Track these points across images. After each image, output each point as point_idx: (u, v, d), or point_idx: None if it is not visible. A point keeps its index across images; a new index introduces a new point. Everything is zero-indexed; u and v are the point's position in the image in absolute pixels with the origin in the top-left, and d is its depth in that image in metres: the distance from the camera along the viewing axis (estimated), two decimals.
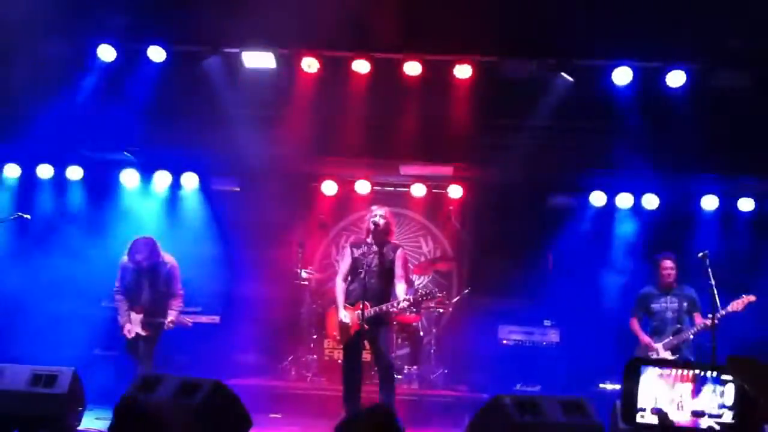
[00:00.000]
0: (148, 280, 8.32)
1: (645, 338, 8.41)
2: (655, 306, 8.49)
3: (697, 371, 2.73)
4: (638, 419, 2.62)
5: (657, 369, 2.61)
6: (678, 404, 2.66)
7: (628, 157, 9.23)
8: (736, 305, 7.95)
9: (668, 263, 8.49)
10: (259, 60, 8.89)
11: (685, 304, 8.34)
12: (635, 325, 8.60)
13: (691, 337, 8.17)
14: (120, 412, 3.13)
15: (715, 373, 2.69)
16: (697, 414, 2.66)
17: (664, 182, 10.25)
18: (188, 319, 8.97)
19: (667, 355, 8.18)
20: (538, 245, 10.62)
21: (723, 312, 7.81)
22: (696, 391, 2.68)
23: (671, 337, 8.26)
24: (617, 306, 9.78)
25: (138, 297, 8.32)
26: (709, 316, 7.67)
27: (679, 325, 8.28)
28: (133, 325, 8.25)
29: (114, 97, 9.13)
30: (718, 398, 2.68)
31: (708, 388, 2.68)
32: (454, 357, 10.23)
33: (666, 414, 2.68)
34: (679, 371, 2.69)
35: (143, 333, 8.22)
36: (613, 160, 9.45)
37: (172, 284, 8.36)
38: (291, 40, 8.71)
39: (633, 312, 8.67)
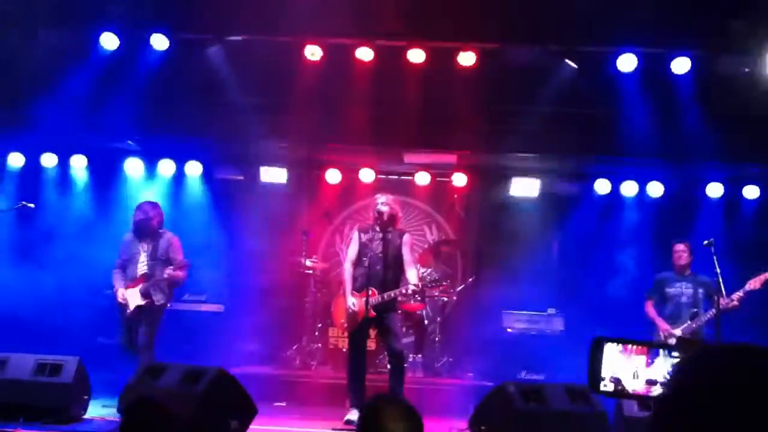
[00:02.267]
0: (146, 250, 8.23)
1: (663, 324, 8.41)
2: (670, 290, 8.54)
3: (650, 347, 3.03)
4: (602, 388, 2.95)
5: (617, 345, 2.92)
6: (634, 373, 2.98)
7: (632, 145, 9.20)
8: (754, 283, 7.91)
9: (679, 246, 8.58)
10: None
11: (700, 290, 8.39)
12: (651, 309, 8.61)
13: (710, 318, 8.04)
14: (129, 404, 3.15)
15: (667, 350, 2.98)
16: (651, 382, 2.97)
17: (669, 170, 10.22)
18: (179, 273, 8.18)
19: None
20: (543, 233, 10.60)
21: (741, 293, 7.84)
22: (649, 362, 2.98)
23: (689, 322, 8.27)
24: (621, 293, 9.77)
25: (135, 267, 8.21)
26: (733, 296, 7.77)
27: (695, 309, 8.32)
28: (131, 300, 8.07)
29: (117, 86, 9.12)
30: (669, 368, 2.95)
31: (660, 360, 2.98)
32: (459, 345, 10.23)
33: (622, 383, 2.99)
34: (636, 346, 2.99)
35: (142, 302, 8.03)
36: (617, 147, 9.42)
37: (172, 253, 8.21)
38: (294, 28, 8.68)
39: (648, 295, 8.72)
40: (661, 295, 8.61)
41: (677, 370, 1.50)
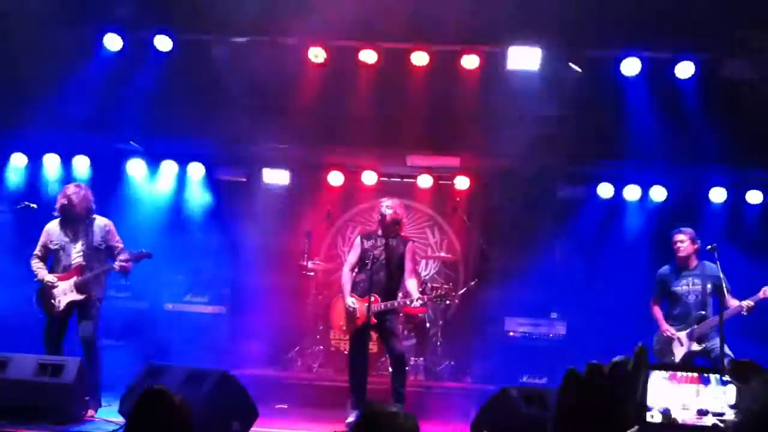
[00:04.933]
0: (80, 237, 7.47)
1: (664, 326, 7.70)
2: (675, 288, 7.73)
3: (701, 373, 2.88)
4: (648, 419, 2.78)
5: (663, 372, 2.77)
6: (683, 404, 2.79)
7: (636, 149, 9.19)
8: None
9: (678, 236, 7.77)
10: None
11: (709, 285, 7.54)
12: (657, 311, 7.88)
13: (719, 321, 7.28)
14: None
15: (718, 375, 2.81)
16: (702, 413, 2.80)
17: (673, 174, 10.20)
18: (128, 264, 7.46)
19: (693, 346, 7.48)
20: (546, 237, 10.58)
21: (752, 302, 7.27)
22: (700, 390, 2.80)
23: (695, 326, 7.53)
24: (624, 298, 9.75)
25: (68, 257, 7.47)
26: (743, 303, 7.29)
27: (703, 312, 7.52)
28: (63, 294, 7.37)
29: (120, 87, 9.12)
30: (722, 397, 2.78)
31: (711, 388, 2.81)
32: (461, 348, 10.21)
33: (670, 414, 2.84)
34: (685, 373, 2.82)
35: (78, 297, 7.34)
36: (621, 151, 9.41)
37: (110, 238, 7.51)
38: (298, 30, 8.68)
39: (653, 296, 8.00)
40: (666, 295, 7.86)
41: (749, 398, 1.42)
